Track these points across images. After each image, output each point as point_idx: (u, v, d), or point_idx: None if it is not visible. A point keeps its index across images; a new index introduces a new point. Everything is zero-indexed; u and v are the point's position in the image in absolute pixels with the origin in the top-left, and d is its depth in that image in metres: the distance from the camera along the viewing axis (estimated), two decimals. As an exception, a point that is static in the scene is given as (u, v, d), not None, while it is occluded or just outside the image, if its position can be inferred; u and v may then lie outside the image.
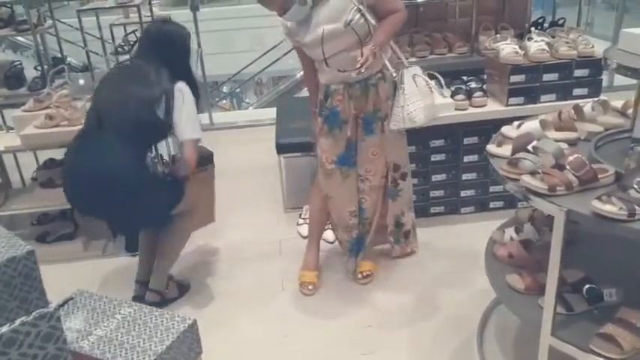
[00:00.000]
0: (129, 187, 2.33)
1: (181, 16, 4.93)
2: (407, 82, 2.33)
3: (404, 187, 2.70)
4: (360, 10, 2.22)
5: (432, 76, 2.48)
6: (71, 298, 1.67)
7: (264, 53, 7.03)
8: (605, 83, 3.41)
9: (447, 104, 2.85)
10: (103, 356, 1.43)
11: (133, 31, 3.55)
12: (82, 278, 2.89)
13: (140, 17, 3.10)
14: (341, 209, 2.69)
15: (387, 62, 2.35)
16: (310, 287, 2.71)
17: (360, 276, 2.69)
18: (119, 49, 3.52)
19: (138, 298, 2.59)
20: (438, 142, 3.09)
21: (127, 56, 3.41)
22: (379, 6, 2.29)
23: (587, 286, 1.83)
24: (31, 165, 3.56)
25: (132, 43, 3.52)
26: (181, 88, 2.40)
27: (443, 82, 2.59)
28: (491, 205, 3.25)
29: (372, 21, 2.26)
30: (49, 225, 3.28)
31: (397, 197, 2.71)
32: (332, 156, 2.56)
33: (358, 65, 2.19)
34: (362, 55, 2.20)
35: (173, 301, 2.66)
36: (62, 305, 1.64)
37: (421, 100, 2.34)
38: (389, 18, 2.31)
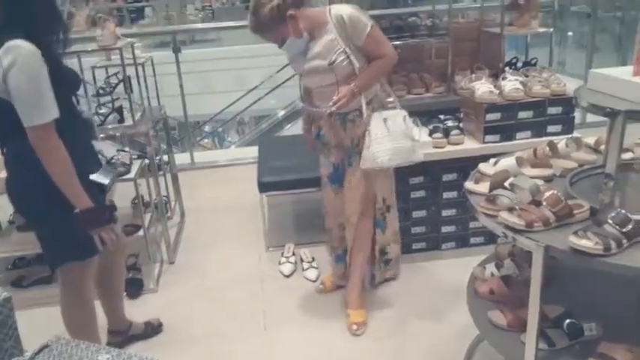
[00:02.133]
0: (13, 191, 2.04)
1: (164, 57, 5.00)
2: (373, 125, 2.41)
3: (390, 219, 2.74)
4: (345, 52, 2.32)
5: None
6: (47, 346, 1.62)
7: (246, 93, 7.11)
8: (578, 120, 3.50)
9: (424, 142, 2.90)
10: (79, 405, 1.39)
11: (115, 74, 3.57)
12: (60, 324, 2.81)
13: (122, 60, 3.13)
14: (333, 221, 2.82)
15: (363, 103, 2.41)
16: (321, 286, 2.98)
17: (354, 327, 2.64)
18: (100, 91, 3.53)
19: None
20: (417, 179, 3.13)
21: (108, 98, 3.42)
22: (367, 50, 2.37)
23: (567, 321, 1.84)
24: (7, 207, 3.50)
25: (113, 85, 3.54)
26: (10, 48, 1.80)
27: (419, 122, 2.67)
28: (472, 240, 3.27)
29: (357, 64, 2.35)
30: (25, 269, 3.21)
31: (385, 229, 2.74)
32: (325, 171, 2.74)
33: (331, 103, 2.33)
34: (337, 94, 2.33)
35: (137, 339, 2.60)
36: (38, 353, 1.59)
37: (390, 142, 2.40)
38: (376, 62, 2.40)
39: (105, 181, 2.13)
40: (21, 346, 1.12)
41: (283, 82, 6.63)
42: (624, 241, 1.52)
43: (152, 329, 2.69)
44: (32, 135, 1.87)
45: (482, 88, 2.97)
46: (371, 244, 2.74)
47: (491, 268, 2.26)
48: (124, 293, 2.66)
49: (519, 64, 3.48)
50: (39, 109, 1.84)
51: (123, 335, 2.59)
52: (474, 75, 3.19)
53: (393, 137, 2.41)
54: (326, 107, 2.36)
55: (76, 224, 1.99)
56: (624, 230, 1.53)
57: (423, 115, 3.21)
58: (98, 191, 2.11)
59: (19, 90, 1.82)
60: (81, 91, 3.32)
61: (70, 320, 2.23)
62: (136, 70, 3.56)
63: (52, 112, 1.87)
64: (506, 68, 3.29)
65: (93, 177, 2.10)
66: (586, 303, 2.00)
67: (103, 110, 3.28)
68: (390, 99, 2.57)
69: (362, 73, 2.37)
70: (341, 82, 2.36)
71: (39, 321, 2.76)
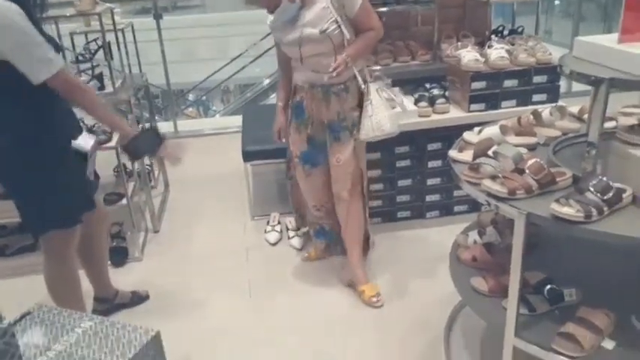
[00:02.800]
0: None
1: (145, 24, 4.89)
2: (373, 94, 2.42)
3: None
4: (337, 22, 2.29)
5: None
6: (29, 313, 1.61)
7: (231, 61, 7.01)
8: (563, 89, 3.51)
9: (410, 111, 2.89)
10: (62, 372, 1.39)
11: (94, 40, 3.48)
12: (44, 292, 2.80)
13: (102, 26, 3.05)
14: (306, 200, 2.78)
15: (357, 74, 2.41)
16: (306, 254, 2.99)
17: (374, 300, 2.65)
18: (80, 58, 3.45)
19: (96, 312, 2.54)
20: (402, 149, 3.13)
21: (87, 65, 3.34)
22: (357, 21, 2.35)
23: (548, 286, 1.87)
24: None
25: (93, 51, 3.45)
26: None
27: (401, 92, 2.65)
28: (456, 209, 3.30)
29: (347, 34, 2.32)
30: (7, 238, 3.18)
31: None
32: (297, 151, 2.65)
33: (331, 69, 2.27)
34: (335, 62, 2.28)
35: (123, 307, 2.61)
36: (19, 321, 1.58)
37: (386, 110, 2.43)
38: (365, 34, 2.38)
39: (86, 147, 2.10)
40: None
41: (267, 50, 6.53)
42: (605, 209, 1.54)
43: (139, 299, 2.69)
44: (56, 85, 1.89)
45: (468, 56, 2.95)
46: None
47: (474, 235, 2.28)
48: (108, 261, 2.65)
49: (505, 32, 3.45)
50: (47, 60, 1.85)
51: (109, 303, 2.59)
52: (460, 43, 3.16)
53: (387, 106, 2.43)
54: (326, 74, 2.28)
55: (132, 154, 2.12)
56: (605, 198, 1.54)
57: (409, 83, 3.19)
58: (81, 158, 2.08)
59: (15, 48, 1.79)
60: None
61: (53, 288, 2.22)
62: (116, 36, 3.48)
63: (59, 59, 1.89)
64: (493, 36, 3.27)
65: (75, 143, 2.07)
66: (567, 269, 2.03)
67: (83, 77, 3.21)
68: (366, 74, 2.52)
69: (352, 44, 2.35)
70: (338, 50, 2.32)
71: (23, 289, 2.76)
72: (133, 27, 3.83)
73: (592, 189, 1.56)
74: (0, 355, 1.10)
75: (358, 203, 2.65)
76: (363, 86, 2.43)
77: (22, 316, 1.59)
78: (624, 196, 1.58)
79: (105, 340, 1.49)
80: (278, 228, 3.28)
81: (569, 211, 1.52)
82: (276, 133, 2.72)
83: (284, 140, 2.71)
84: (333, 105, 2.47)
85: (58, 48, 2.10)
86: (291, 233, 3.21)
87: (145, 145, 2.11)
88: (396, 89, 2.56)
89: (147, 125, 2.30)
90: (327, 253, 2.93)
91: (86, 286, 2.48)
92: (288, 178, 2.86)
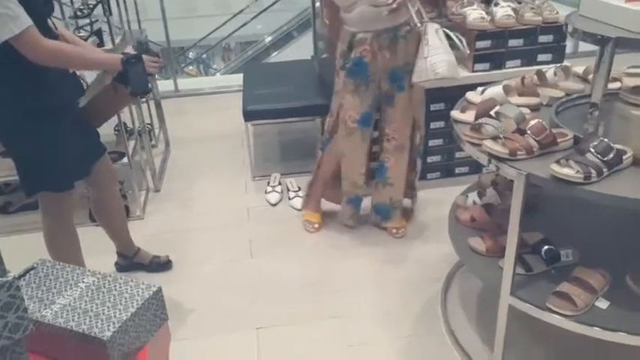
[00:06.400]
0: None
1: (143, -22, 4.77)
2: (430, 34, 2.33)
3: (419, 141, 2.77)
4: None
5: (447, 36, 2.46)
6: (33, 268, 1.64)
7: (231, 17, 6.88)
8: (570, 49, 3.46)
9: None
10: (66, 325, 1.42)
11: (93, -6, 3.41)
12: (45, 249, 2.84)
13: (100, -21, 3.00)
14: (353, 169, 2.70)
15: (413, 14, 2.31)
16: (316, 225, 2.90)
17: (394, 231, 2.81)
18: (78, 13, 3.38)
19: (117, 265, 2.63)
20: (405, 109, 3.10)
21: (87, 20, 3.29)
22: None
23: (545, 247, 1.89)
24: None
25: (91, 6, 3.39)
26: None
27: (464, 41, 2.46)
28: (457, 170, 3.29)
29: None
30: (11, 195, 3.20)
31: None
32: (355, 115, 2.54)
33: (390, 0, 2.20)
34: None
35: (142, 267, 2.63)
36: (23, 275, 1.61)
37: (444, 53, 2.33)
38: None
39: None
40: (4, 266, 1.13)
41: (269, 6, 6.41)
42: (605, 170, 1.54)
43: (157, 265, 2.66)
44: (20, 47, 1.78)
45: (473, 14, 2.89)
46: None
47: (473, 196, 2.29)
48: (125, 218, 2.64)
49: (512, -10, 3.37)
50: (12, 20, 1.72)
51: (128, 260, 2.63)
52: (465, 0, 3.09)
53: (446, 49, 2.34)
54: (384, 7, 2.22)
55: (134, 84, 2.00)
56: (605, 159, 1.54)
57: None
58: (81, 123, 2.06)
59: None
60: (57, 14, 3.20)
61: (51, 245, 2.25)
62: (115, -10, 3.40)
63: (26, 20, 1.76)
64: (499, -7, 3.19)
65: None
66: (565, 230, 2.04)
67: (82, 33, 3.15)
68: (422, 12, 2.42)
69: None
70: None
71: (26, 246, 2.78)
72: (131, -19, 3.74)
73: (593, 150, 1.56)
74: (5, 308, 1.13)
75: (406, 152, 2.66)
76: (419, 25, 2.31)
77: (27, 271, 1.62)
78: (625, 157, 1.58)
79: (107, 294, 1.52)
80: (279, 189, 3.29)
81: (569, 172, 1.52)
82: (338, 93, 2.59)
83: None
84: (400, 50, 2.39)
85: (51, 3, 2.04)
86: (292, 194, 3.22)
87: (136, 80, 2.01)
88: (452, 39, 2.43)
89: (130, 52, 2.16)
90: (351, 220, 2.88)
91: (110, 242, 2.55)
92: (321, 147, 2.76)
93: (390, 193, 2.76)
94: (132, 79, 1.99)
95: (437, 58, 2.30)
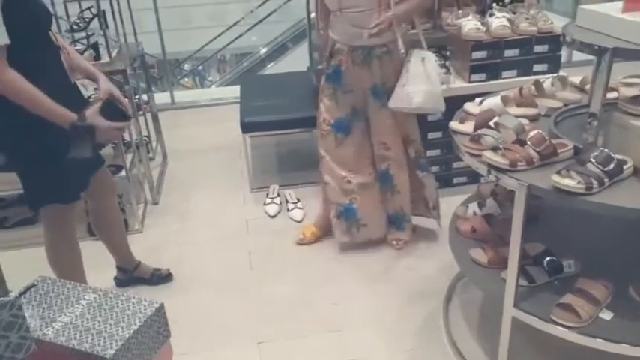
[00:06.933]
0: None
1: (139, -9, 4.78)
2: (413, 62, 2.33)
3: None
4: None
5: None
6: (33, 285, 1.63)
7: (226, 29, 6.90)
8: (564, 59, 3.46)
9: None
10: (68, 343, 1.41)
11: (89, 8, 3.41)
12: (45, 264, 2.82)
13: (96, -7, 3.00)
14: (334, 170, 2.64)
15: (399, 38, 2.31)
16: (301, 236, 2.89)
17: (394, 242, 2.79)
18: (74, 27, 3.38)
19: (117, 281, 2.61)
20: (402, 119, 3.11)
21: (83, 33, 3.29)
22: None
23: (547, 258, 1.89)
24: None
25: (87, 19, 3.39)
26: None
27: (452, 70, 2.49)
28: (455, 180, 3.30)
29: None
30: (6, 210, 3.18)
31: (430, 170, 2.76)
32: (330, 118, 2.55)
33: (372, 25, 2.19)
34: (378, 18, 2.20)
35: (142, 282, 2.61)
36: (24, 293, 1.59)
37: (425, 84, 2.32)
38: None
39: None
40: (5, 286, 1.12)
41: (265, 18, 6.42)
42: (606, 180, 1.54)
43: (159, 278, 2.65)
44: None
45: (469, 24, 2.91)
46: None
47: (473, 207, 2.29)
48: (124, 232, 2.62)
49: (507, 1, 3.39)
50: None
51: (128, 274, 2.61)
52: (460, 11, 3.11)
53: (429, 79, 2.32)
54: (366, 30, 2.21)
55: (81, 143, 1.88)
56: (606, 169, 1.55)
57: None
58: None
59: None
60: (54, 27, 3.20)
61: (54, 260, 2.23)
62: (111, 4, 3.41)
63: (2, 39, 1.69)
64: (494, 4, 3.21)
65: None
66: (566, 241, 2.04)
67: (78, 47, 3.15)
68: (421, 38, 2.42)
69: (399, 3, 2.25)
70: (381, 6, 2.24)
71: (24, 261, 2.76)
72: (127, -6, 3.75)
73: (593, 160, 1.56)
74: (8, 327, 1.12)
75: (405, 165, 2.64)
76: (402, 51, 2.31)
77: (27, 289, 1.61)
78: (625, 167, 1.59)
79: (110, 311, 1.51)
80: (277, 200, 3.28)
81: (570, 182, 1.53)
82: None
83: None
84: (375, 69, 2.39)
85: (49, 15, 2.03)
86: (291, 206, 3.22)
87: (78, 147, 1.88)
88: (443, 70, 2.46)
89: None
90: (348, 236, 2.75)
91: (109, 256, 2.54)
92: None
93: (400, 202, 2.73)
94: (75, 144, 1.88)
95: (414, 88, 2.31)
